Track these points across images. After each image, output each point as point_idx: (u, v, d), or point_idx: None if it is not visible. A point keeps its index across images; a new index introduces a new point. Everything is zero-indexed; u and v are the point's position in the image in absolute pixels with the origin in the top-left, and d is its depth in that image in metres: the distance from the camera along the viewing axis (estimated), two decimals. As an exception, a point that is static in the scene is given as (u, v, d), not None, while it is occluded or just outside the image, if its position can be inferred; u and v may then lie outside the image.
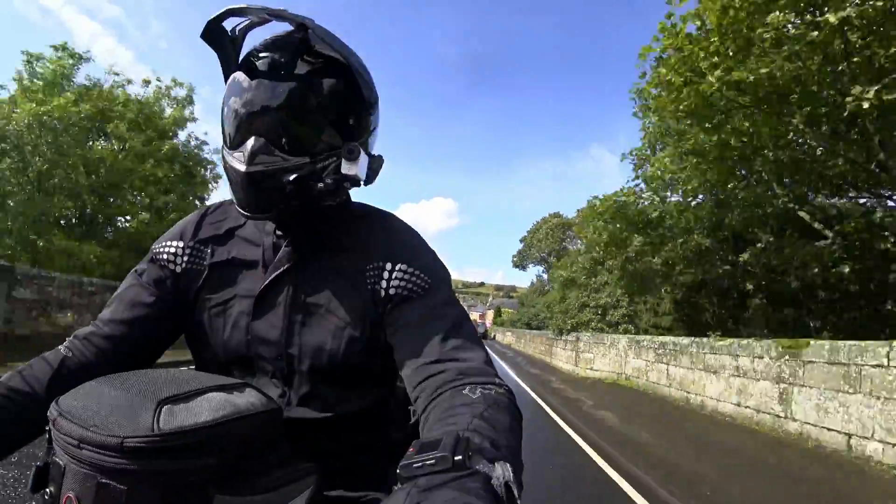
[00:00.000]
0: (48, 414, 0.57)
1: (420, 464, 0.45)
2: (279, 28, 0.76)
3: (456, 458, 0.44)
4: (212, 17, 0.72)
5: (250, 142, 0.71)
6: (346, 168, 0.72)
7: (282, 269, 0.80)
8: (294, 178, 0.71)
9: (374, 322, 0.79)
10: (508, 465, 0.47)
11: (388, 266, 0.79)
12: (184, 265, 0.85)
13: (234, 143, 0.74)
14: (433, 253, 0.86)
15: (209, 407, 0.57)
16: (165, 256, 0.86)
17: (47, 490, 0.55)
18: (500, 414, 0.60)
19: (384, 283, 0.79)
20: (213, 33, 0.75)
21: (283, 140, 0.72)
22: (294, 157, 0.72)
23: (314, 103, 0.73)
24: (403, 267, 0.79)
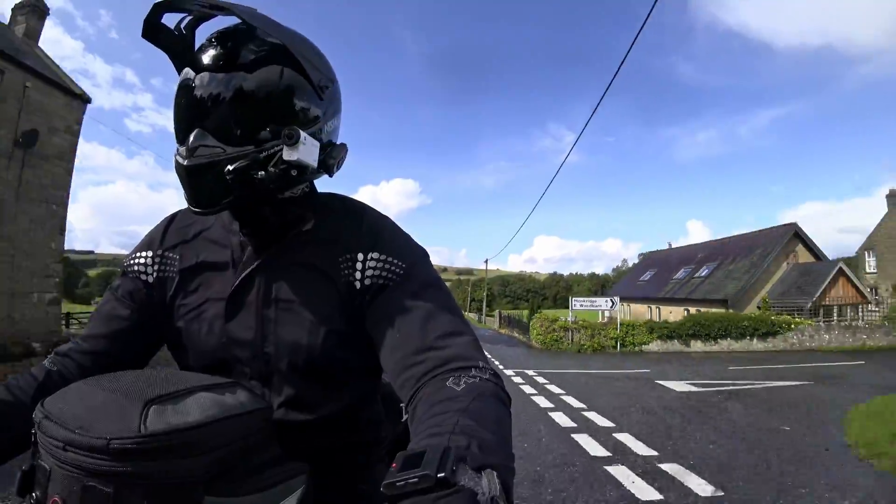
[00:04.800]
0: (33, 416, 0.56)
1: (403, 482, 0.44)
2: (227, 21, 0.74)
3: (440, 475, 0.43)
4: (146, 15, 0.70)
5: (192, 135, 0.69)
6: (288, 154, 0.69)
7: (250, 267, 0.78)
8: (234, 169, 0.68)
9: (352, 315, 0.77)
10: (495, 472, 0.46)
11: (360, 256, 0.77)
12: (155, 274, 0.84)
13: (179, 139, 0.72)
14: (407, 236, 0.84)
15: (197, 407, 0.56)
16: (136, 268, 0.85)
17: (33, 494, 0.54)
18: (486, 405, 0.59)
19: (358, 275, 0.77)
20: (155, 32, 0.73)
21: (225, 130, 0.70)
22: (235, 148, 0.69)
23: (255, 91, 0.70)
24: (376, 255, 0.77)
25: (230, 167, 0.68)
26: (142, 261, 0.85)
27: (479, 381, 0.63)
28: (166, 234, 0.86)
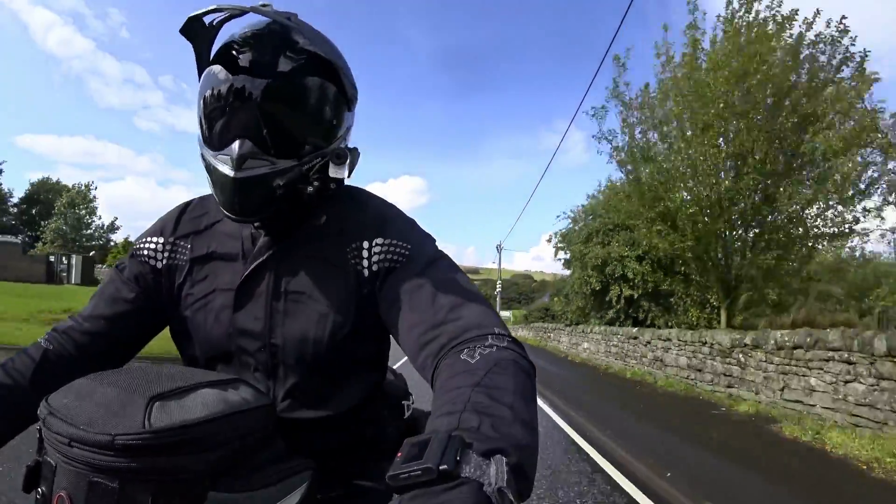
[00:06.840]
0: (38, 412, 0.56)
1: (406, 474, 0.42)
2: (254, 19, 0.73)
3: (441, 467, 0.41)
4: (196, 12, 0.70)
5: (236, 144, 0.68)
6: (335, 171, 0.70)
7: (261, 259, 0.78)
8: (284, 183, 0.69)
9: (361, 305, 0.77)
10: (504, 458, 0.43)
11: (366, 244, 0.77)
12: (165, 261, 0.83)
13: (217, 144, 0.71)
14: (410, 220, 0.84)
15: (202, 403, 0.56)
16: (146, 252, 0.85)
17: (39, 489, 0.54)
18: (503, 376, 0.56)
19: (365, 262, 0.77)
20: (193, 26, 0.73)
21: (271, 142, 0.69)
22: (282, 161, 0.70)
23: (300, 102, 0.71)
24: (380, 240, 0.77)
25: (280, 182, 0.69)
26: (152, 246, 0.84)
27: (495, 351, 0.61)
28: (179, 223, 0.86)
